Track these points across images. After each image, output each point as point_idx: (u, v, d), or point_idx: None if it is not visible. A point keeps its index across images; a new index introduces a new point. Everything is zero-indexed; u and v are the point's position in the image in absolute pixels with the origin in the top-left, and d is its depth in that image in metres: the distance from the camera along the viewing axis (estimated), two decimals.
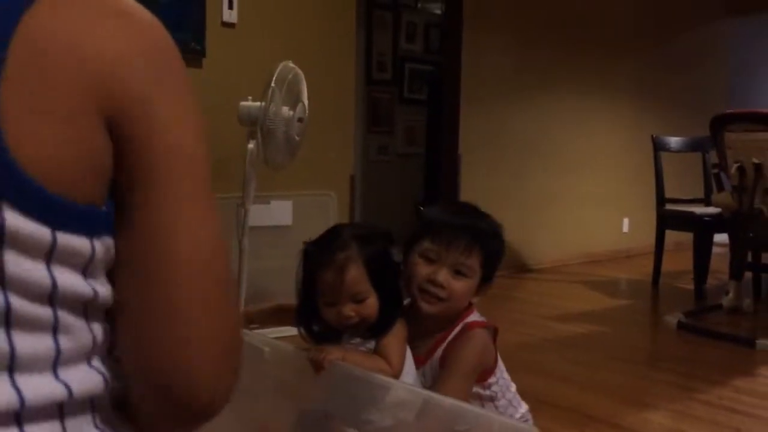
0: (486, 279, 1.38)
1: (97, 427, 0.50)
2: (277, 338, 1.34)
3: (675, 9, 5.92)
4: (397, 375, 1.25)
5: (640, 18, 5.64)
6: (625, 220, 5.67)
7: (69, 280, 0.45)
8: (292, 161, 3.03)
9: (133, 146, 0.46)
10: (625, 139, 5.58)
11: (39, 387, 0.45)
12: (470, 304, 1.39)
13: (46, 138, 0.40)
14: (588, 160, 5.34)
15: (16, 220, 0.40)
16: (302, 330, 1.34)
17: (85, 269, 0.46)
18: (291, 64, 2.89)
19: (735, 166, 3.29)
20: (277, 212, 3.39)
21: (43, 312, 0.44)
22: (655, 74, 5.79)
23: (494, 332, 1.39)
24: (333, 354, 1.18)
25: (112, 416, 0.52)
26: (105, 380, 0.50)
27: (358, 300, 1.25)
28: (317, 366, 1.18)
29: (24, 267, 0.42)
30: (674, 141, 4.52)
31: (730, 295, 3.49)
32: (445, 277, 1.30)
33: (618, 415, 2.21)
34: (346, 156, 3.91)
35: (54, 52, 0.41)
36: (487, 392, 1.36)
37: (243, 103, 2.87)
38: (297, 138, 2.95)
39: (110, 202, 0.47)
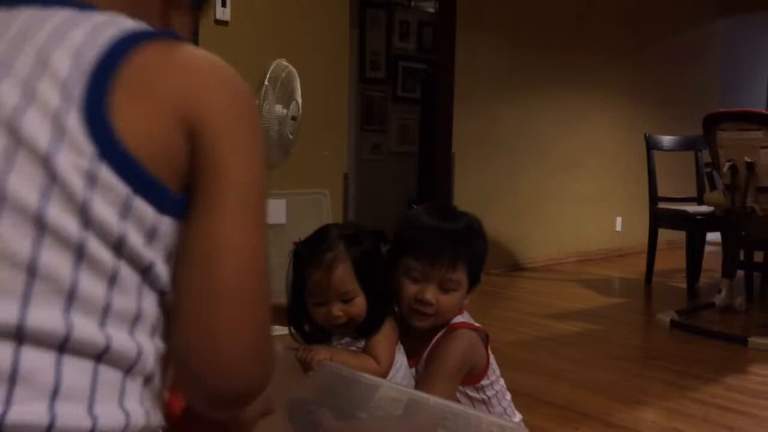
0: (473, 282, 1.37)
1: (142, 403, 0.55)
2: None
3: (668, 9, 5.93)
4: (385, 373, 1.25)
5: (633, 17, 5.66)
6: (618, 219, 5.69)
7: (134, 238, 0.53)
8: (286, 160, 3.02)
9: (201, 159, 0.56)
10: (618, 138, 5.59)
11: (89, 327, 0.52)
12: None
13: (141, 129, 0.53)
14: (581, 158, 5.35)
15: (109, 177, 0.52)
16: (293, 330, 1.34)
17: (150, 237, 0.54)
18: (284, 62, 2.89)
19: (727, 165, 3.31)
20: (271, 211, 3.37)
21: (108, 258, 0.52)
22: (647, 73, 5.81)
23: (485, 337, 1.39)
24: (321, 354, 1.19)
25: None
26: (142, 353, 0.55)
27: (346, 300, 1.25)
28: (305, 366, 1.18)
29: (103, 213, 0.51)
30: (667, 140, 4.53)
31: (723, 293, 3.50)
32: (433, 294, 1.30)
33: (611, 412, 2.22)
34: (339, 154, 3.91)
35: (155, 72, 0.55)
36: (480, 395, 1.36)
37: None
38: (290, 136, 2.94)
39: (184, 195, 0.56)
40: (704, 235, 4.13)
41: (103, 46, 0.54)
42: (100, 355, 0.51)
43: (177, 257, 0.57)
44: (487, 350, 1.38)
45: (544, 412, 2.19)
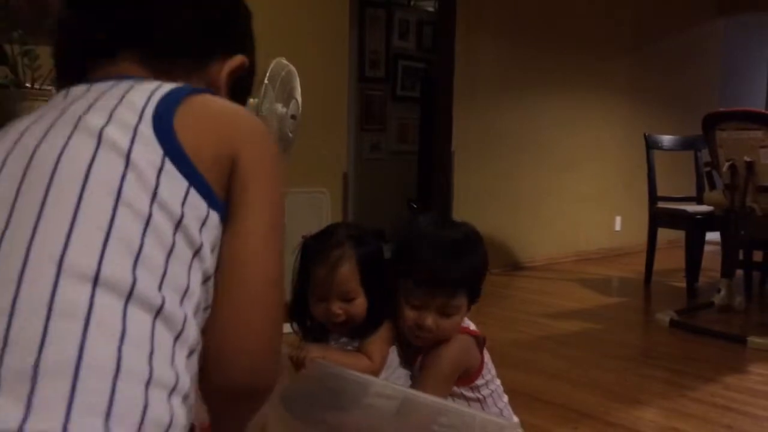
0: (473, 298, 1.37)
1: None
2: None
3: (667, 9, 5.93)
4: (377, 372, 1.26)
5: (632, 17, 5.66)
6: (618, 219, 5.69)
7: (190, 221, 0.65)
8: (286, 158, 3.02)
9: (237, 182, 0.70)
10: (617, 137, 5.59)
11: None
12: None
13: (194, 143, 0.68)
14: (581, 158, 5.35)
15: (173, 171, 0.65)
16: (294, 325, 1.35)
17: (201, 225, 0.66)
18: (284, 61, 2.88)
19: (727, 164, 3.31)
20: None
21: (169, 232, 0.63)
22: (647, 73, 5.81)
23: (482, 341, 1.39)
24: (313, 352, 1.19)
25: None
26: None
27: (347, 299, 1.26)
28: (298, 364, 1.18)
29: (168, 196, 0.64)
30: (666, 139, 4.53)
31: (722, 293, 3.50)
32: (433, 320, 1.31)
33: (610, 412, 2.22)
34: (339, 154, 3.91)
35: (205, 109, 0.72)
36: (474, 394, 1.36)
37: None
38: (290, 135, 2.94)
39: (225, 203, 0.70)
40: (703, 235, 4.13)
41: (167, 90, 0.70)
42: (157, 313, 0.60)
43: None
44: (482, 353, 1.38)
45: (543, 412, 2.19)
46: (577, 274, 4.76)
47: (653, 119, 5.62)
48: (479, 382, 1.37)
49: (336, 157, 3.87)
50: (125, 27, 0.77)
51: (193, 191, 0.66)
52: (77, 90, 0.73)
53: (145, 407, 0.56)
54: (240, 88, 0.85)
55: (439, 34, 4.74)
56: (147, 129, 0.66)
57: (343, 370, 1.15)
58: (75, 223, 0.60)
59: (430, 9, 5.78)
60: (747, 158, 3.22)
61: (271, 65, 2.85)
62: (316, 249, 1.29)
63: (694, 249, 4.09)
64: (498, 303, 3.75)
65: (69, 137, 0.65)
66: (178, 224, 0.64)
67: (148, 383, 0.57)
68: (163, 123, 0.67)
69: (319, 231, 1.33)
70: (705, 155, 3.94)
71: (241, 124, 0.73)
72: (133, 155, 0.64)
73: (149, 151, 0.65)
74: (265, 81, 2.78)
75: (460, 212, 4.53)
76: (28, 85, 2.49)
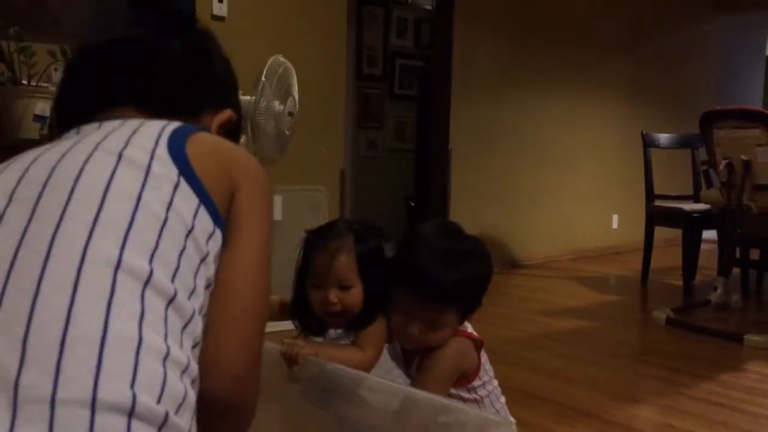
0: (465, 313, 1.36)
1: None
2: None
3: (665, 7, 5.94)
4: (370, 363, 1.27)
5: (629, 15, 5.66)
6: (615, 217, 5.70)
7: (199, 233, 0.71)
8: (283, 156, 3.02)
9: (233, 211, 0.78)
10: (615, 135, 5.60)
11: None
12: None
13: (203, 168, 0.75)
14: (578, 156, 5.36)
15: (186, 187, 0.72)
16: (295, 319, 1.35)
17: (208, 238, 0.72)
18: (281, 58, 2.87)
19: (724, 162, 3.31)
20: None
21: (182, 235, 0.69)
22: (644, 71, 5.81)
23: (479, 344, 1.39)
24: (306, 349, 1.19)
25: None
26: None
27: (344, 287, 1.27)
28: (291, 361, 1.18)
29: (182, 207, 0.70)
30: (664, 138, 4.54)
31: (719, 291, 3.51)
32: (418, 330, 1.31)
33: (607, 409, 2.22)
34: (336, 151, 3.90)
35: (212, 142, 0.81)
36: (472, 395, 1.36)
37: None
38: (287, 132, 2.93)
39: (225, 223, 0.76)
40: (700, 233, 4.14)
41: (176, 126, 0.78)
42: (170, 301, 0.65)
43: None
44: (479, 355, 1.38)
45: (540, 409, 2.20)
46: (575, 272, 4.76)
47: (651, 117, 5.63)
48: (476, 383, 1.37)
49: (333, 155, 3.87)
50: (123, 87, 0.86)
51: (202, 209, 0.73)
52: (88, 127, 0.79)
53: (165, 380, 0.60)
54: (228, 137, 0.93)
55: (436, 33, 4.73)
56: (163, 153, 0.73)
57: (336, 367, 1.15)
58: (97, 220, 0.65)
59: (428, 7, 5.78)
60: (744, 156, 3.22)
61: (269, 62, 2.85)
62: (317, 239, 1.32)
63: (690, 247, 4.10)
64: (495, 301, 3.75)
65: (90, 154, 0.71)
66: (190, 232, 0.70)
67: (165, 359, 0.62)
68: (177, 149, 0.74)
69: (321, 225, 1.36)
70: (702, 153, 3.95)
71: (240, 161, 0.81)
72: (152, 169, 0.71)
73: (166, 169, 0.72)
74: (263, 78, 2.78)
75: (458, 210, 4.53)
76: (24, 81, 2.48)
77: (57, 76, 2.55)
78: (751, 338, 3.03)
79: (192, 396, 0.64)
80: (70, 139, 0.76)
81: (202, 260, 0.71)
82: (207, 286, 0.72)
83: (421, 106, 5.34)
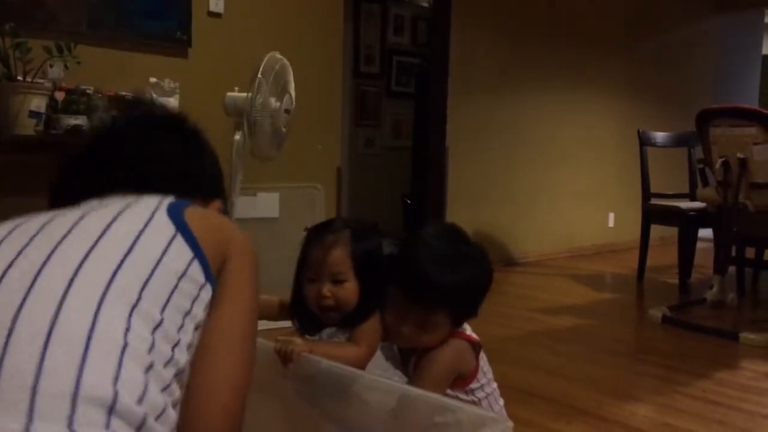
0: (458, 318, 1.35)
1: None
2: None
3: (662, 6, 5.94)
4: (365, 359, 1.27)
5: (627, 14, 5.66)
6: (611, 215, 5.70)
7: (189, 284, 0.75)
8: (279, 153, 3.01)
9: (223, 279, 0.82)
10: (611, 134, 5.60)
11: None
12: None
13: (198, 230, 0.79)
14: (574, 154, 5.36)
15: (181, 243, 0.77)
16: (294, 321, 1.35)
17: (198, 290, 0.76)
18: (278, 55, 2.87)
19: (720, 161, 3.32)
20: (264, 204, 3.37)
21: (174, 278, 0.73)
22: (641, 70, 5.82)
23: (477, 346, 1.39)
24: (300, 346, 1.19)
25: None
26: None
27: (337, 281, 1.28)
28: (285, 358, 1.18)
29: (175, 258, 0.75)
30: (660, 136, 4.54)
31: (715, 289, 3.51)
32: (410, 330, 1.31)
33: (603, 407, 2.23)
34: (333, 148, 3.90)
35: (206, 214, 0.86)
36: (470, 397, 1.36)
37: (229, 93, 2.85)
38: (284, 130, 2.93)
39: (214, 283, 0.80)
40: (696, 231, 4.14)
41: (174, 199, 0.83)
42: (156, 327, 0.68)
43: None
44: (477, 357, 1.38)
45: (537, 407, 2.20)
46: (571, 270, 4.77)
47: (647, 116, 5.64)
48: (474, 385, 1.37)
49: (330, 153, 3.86)
50: (124, 177, 0.91)
51: (196, 262, 0.77)
52: (89, 203, 0.85)
53: (146, 388, 0.63)
54: None
55: (433, 30, 4.73)
56: (162, 215, 0.79)
57: (331, 364, 1.15)
58: (95, 247, 0.71)
59: (425, 4, 5.77)
60: (740, 155, 3.22)
61: (265, 59, 2.84)
62: (314, 234, 1.33)
63: (687, 245, 4.10)
64: (491, 298, 3.71)
65: (90, 211, 0.78)
66: (182, 276, 0.74)
67: (147, 370, 0.64)
68: (176, 213, 0.80)
69: (321, 221, 1.38)
70: (698, 152, 3.96)
71: (232, 235, 0.87)
72: (151, 222, 0.77)
73: (164, 225, 0.77)
74: (259, 75, 2.77)
75: (455, 208, 4.53)
76: (19, 78, 2.47)
77: (52, 72, 2.54)
78: (747, 336, 3.03)
79: (172, 415, 0.66)
80: (71, 209, 0.80)
81: (193, 302, 0.74)
82: (195, 328, 0.75)
83: (419, 104, 5.34)
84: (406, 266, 1.32)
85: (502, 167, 4.87)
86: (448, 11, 4.43)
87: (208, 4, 3.28)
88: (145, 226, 0.76)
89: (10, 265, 0.68)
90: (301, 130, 3.34)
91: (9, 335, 0.61)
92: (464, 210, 4.58)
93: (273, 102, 2.83)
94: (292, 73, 2.92)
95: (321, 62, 3.74)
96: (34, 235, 0.72)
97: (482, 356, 1.40)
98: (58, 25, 2.80)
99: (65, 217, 0.76)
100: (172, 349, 0.69)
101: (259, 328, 1.19)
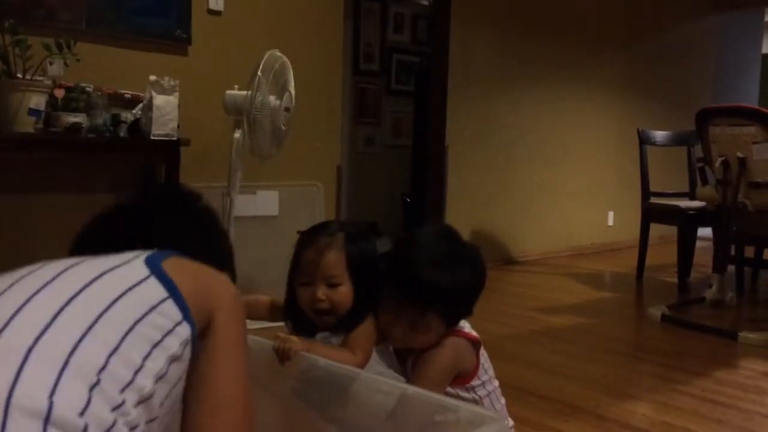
0: (452, 319, 1.35)
1: None
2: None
3: (661, 5, 5.94)
4: (361, 366, 1.27)
5: (627, 12, 5.66)
6: (610, 214, 5.70)
7: (163, 317, 0.76)
8: (279, 151, 3.01)
9: (214, 329, 0.83)
10: (611, 132, 5.60)
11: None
12: None
13: (180, 281, 0.80)
14: (574, 153, 5.36)
15: (154, 283, 0.79)
16: (288, 324, 1.35)
17: (174, 325, 0.76)
18: (278, 53, 2.87)
19: (719, 160, 3.32)
20: (264, 202, 3.37)
21: (138, 309, 0.74)
22: (642, 68, 5.82)
23: (477, 344, 1.39)
24: (298, 345, 1.18)
25: None
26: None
27: (332, 284, 1.27)
28: (283, 356, 1.18)
29: (147, 292, 0.77)
30: (660, 135, 4.54)
31: (714, 288, 3.52)
32: (403, 331, 1.31)
33: (602, 405, 2.23)
34: (332, 147, 3.90)
35: (186, 263, 0.86)
36: (470, 395, 1.36)
37: (229, 92, 2.85)
38: (284, 128, 2.93)
39: (197, 331, 0.80)
40: (696, 230, 4.15)
41: (153, 251, 0.84)
42: (113, 351, 0.69)
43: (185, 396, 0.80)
44: (478, 355, 1.38)
45: (535, 405, 2.20)
46: (570, 269, 4.77)
47: (647, 114, 5.64)
48: (475, 383, 1.37)
49: (330, 151, 3.86)
50: (141, 244, 0.93)
51: (170, 301, 0.77)
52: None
53: (88, 403, 0.64)
54: None
55: (433, 28, 4.73)
56: (138, 262, 0.81)
57: (328, 362, 1.15)
58: (62, 273, 0.75)
59: (425, 2, 5.76)
60: (740, 154, 3.22)
61: (265, 57, 2.83)
62: (307, 237, 1.32)
63: (686, 244, 4.10)
64: (491, 297, 3.76)
65: (71, 265, 0.79)
66: (152, 308, 0.75)
67: (92, 388, 0.65)
68: (153, 260, 0.81)
69: (314, 224, 1.36)
70: (698, 151, 3.96)
71: (219, 286, 0.88)
72: (125, 264, 0.79)
73: (137, 269, 0.79)
74: (259, 73, 2.77)
75: (454, 207, 4.53)
76: (19, 75, 2.47)
77: (52, 69, 2.54)
78: (746, 335, 3.04)
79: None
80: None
81: (164, 335, 0.75)
82: (172, 360, 0.75)
83: (418, 102, 5.34)
84: (402, 266, 1.32)
85: (502, 165, 4.87)
86: (448, 9, 4.43)
87: (207, 2, 3.28)
88: (116, 266, 0.78)
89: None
90: (300, 128, 3.34)
91: None
92: (464, 208, 4.58)
93: (273, 100, 2.83)
94: (291, 71, 2.92)
95: (321, 60, 3.74)
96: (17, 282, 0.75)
97: (483, 353, 1.40)
98: (57, 23, 2.80)
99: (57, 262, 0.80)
100: (134, 374, 0.70)
101: (257, 327, 1.20)
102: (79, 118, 2.59)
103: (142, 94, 2.83)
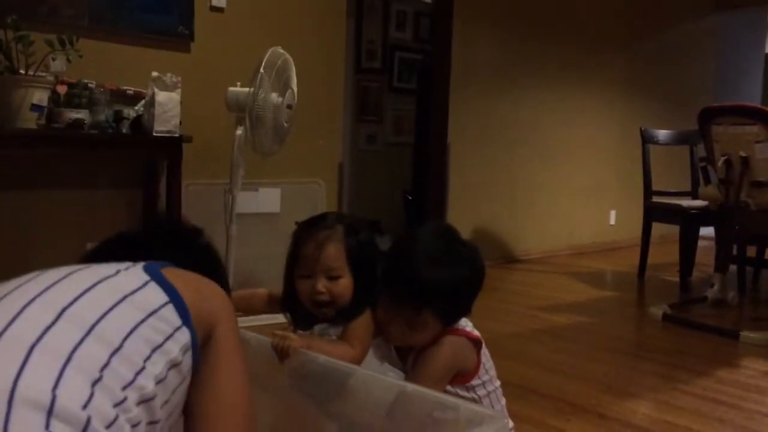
0: (448, 318, 1.34)
1: None
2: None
3: (663, 4, 5.93)
4: (360, 359, 1.27)
5: (629, 11, 5.65)
6: (612, 212, 5.70)
7: (162, 322, 0.77)
8: (281, 148, 3.01)
9: (215, 341, 0.86)
10: (613, 131, 5.60)
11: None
12: None
13: (180, 287, 0.82)
14: (576, 151, 5.36)
15: (154, 288, 0.81)
16: (287, 315, 1.35)
17: (173, 331, 0.78)
18: (280, 50, 2.86)
19: (722, 159, 3.31)
20: (265, 199, 3.37)
21: (138, 313, 0.76)
22: (643, 67, 5.81)
23: (478, 343, 1.38)
24: (296, 342, 1.18)
25: None
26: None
27: (332, 277, 1.27)
28: (282, 354, 1.18)
29: (145, 297, 0.79)
30: (662, 134, 4.53)
31: (715, 287, 3.51)
32: (399, 329, 1.31)
33: (603, 404, 2.23)
34: (334, 144, 3.89)
35: (183, 273, 0.88)
36: (470, 394, 1.36)
37: (231, 88, 2.85)
38: (286, 125, 2.93)
39: (198, 340, 0.82)
40: (698, 230, 4.14)
41: (151, 261, 0.87)
42: (114, 352, 0.70)
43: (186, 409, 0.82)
44: (478, 354, 1.37)
45: (536, 403, 2.20)
46: (572, 268, 4.77)
47: (649, 113, 5.63)
48: (475, 382, 1.36)
49: (331, 148, 3.86)
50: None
51: (170, 306, 0.79)
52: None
53: (90, 397, 0.65)
54: None
55: (436, 26, 4.72)
56: (137, 269, 0.83)
57: (326, 359, 1.15)
58: (65, 278, 0.77)
59: (427, 0, 5.76)
60: (742, 153, 3.22)
61: (267, 54, 2.83)
62: (305, 230, 1.31)
63: (688, 243, 4.10)
64: (492, 295, 3.76)
65: (74, 271, 0.81)
66: (153, 312, 0.77)
67: (95, 383, 0.66)
68: (152, 267, 0.84)
69: (312, 216, 1.36)
70: (700, 150, 3.95)
71: (217, 298, 0.90)
72: (125, 270, 0.81)
73: (137, 275, 0.81)
74: (261, 70, 2.76)
75: (456, 205, 4.53)
76: (21, 71, 2.47)
77: (54, 65, 2.54)
78: (747, 335, 3.03)
79: (126, 429, 0.68)
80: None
81: (166, 338, 0.77)
82: (171, 366, 0.77)
83: (420, 100, 5.33)
84: (400, 264, 1.32)
85: (504, 164, 4.86)
86: (450, 7, 4.43)
87: None
88: (117, 272, 0.80)
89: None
90: (302, 125, 3.34)
91: None
92: (465, 207, 4.58)
93: (275, 97, 2.83)
94: (294, 68, 2.92)
95: (323, 58, 3.73)
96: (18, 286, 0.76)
97: (484, 353, 1.39)
98: (60, 19, 2.79)
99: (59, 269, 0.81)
100: (135, 374, 0.71)
101: (255, 323, 1.21)
102: (81, 115, 2.59)
103: (144, 91, 2.83)
